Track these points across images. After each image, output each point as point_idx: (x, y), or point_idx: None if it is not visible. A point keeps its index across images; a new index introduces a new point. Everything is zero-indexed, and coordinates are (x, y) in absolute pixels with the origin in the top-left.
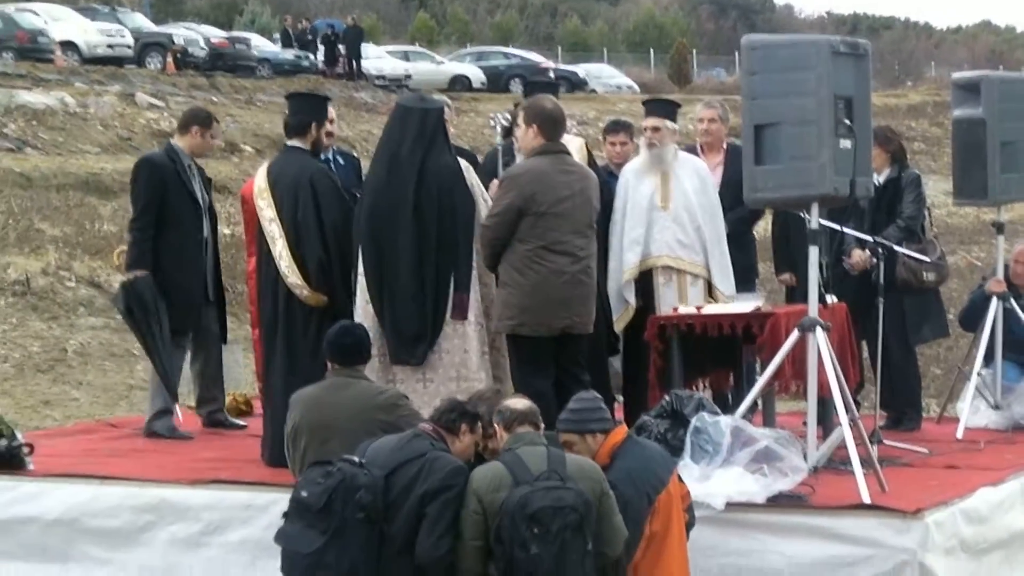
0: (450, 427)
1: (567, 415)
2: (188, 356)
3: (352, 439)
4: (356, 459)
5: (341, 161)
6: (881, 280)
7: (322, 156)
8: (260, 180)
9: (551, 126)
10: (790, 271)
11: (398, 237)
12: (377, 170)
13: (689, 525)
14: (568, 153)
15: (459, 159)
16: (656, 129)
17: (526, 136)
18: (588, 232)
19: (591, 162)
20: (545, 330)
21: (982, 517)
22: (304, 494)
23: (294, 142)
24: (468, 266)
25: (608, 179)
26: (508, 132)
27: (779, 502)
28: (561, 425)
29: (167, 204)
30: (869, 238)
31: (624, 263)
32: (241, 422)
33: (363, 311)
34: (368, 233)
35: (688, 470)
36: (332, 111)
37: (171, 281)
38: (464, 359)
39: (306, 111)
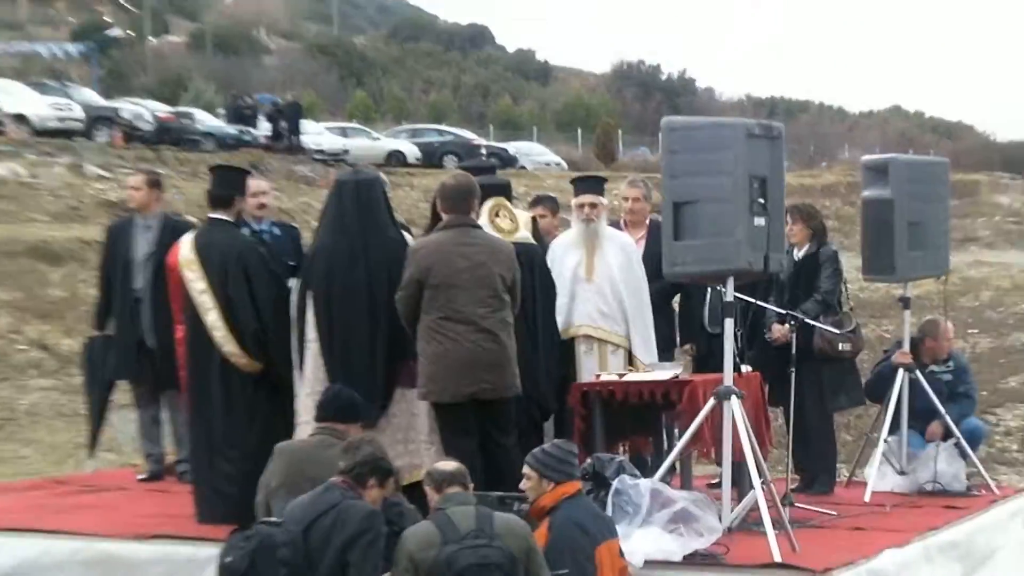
0: (359, 480)
1: (538, 453)
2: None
3: None
4: (273, 519)
5: (277, 231)
6: (794, 351)
7: (256, 227)
8: (186, 251)
9: (450, 200)
10: (691, 342)
11: (351, 308)
12: (325, 242)
13: None
14: (476, 227)
15: (401, 233)
16: (593, 206)
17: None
18: (491, 301)
19: (536, 234)
20: (449, 397)
21: None
22: (228, 559)
23: (218, 214)
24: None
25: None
26: None
27: (695, 560)
28: (528, 459)
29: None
30: (783, 312)
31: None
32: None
33: (313, 376)
34: (321, 302)
35: (616, 530)
36: (267, 184)
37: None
38: (411, 422)
39: (228, 184)
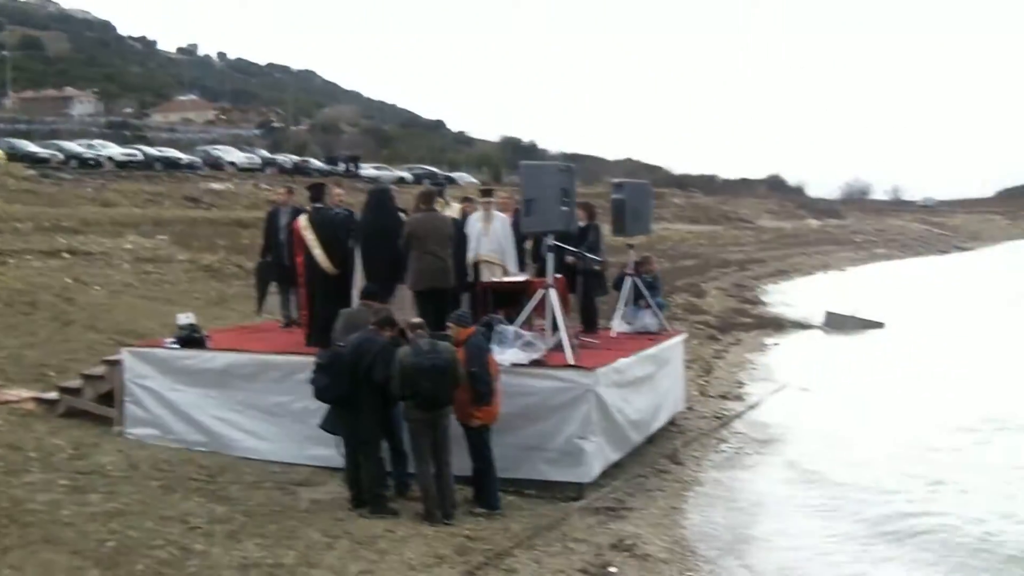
0: (381, 327)
1: (452, 316)
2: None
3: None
4: (341, 344)
5: (346, 212)
6: (578, 269)
7: (337, 210)
8: (304, 222)
9: (423, 199)
10: (534, 263)
11: (378, 247)
12: (366, 216)
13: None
14: (435, 210)
15: (400, 213)
16: (489, 202)
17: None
18: (443, 244)
19: (463, 215)
20: (422, 287)
21: (621, 371)
22: (320, 361)
23: (317, 204)
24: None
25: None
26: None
27: (534, 363)
28: (449, 319)
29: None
30: (575, 250)
31: (469, 258)
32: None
33: (359, 278)
34: (363, 244)
35: (494, 350)
36: (342, 191)
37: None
38: (404, 300)
39: (320, 191)
